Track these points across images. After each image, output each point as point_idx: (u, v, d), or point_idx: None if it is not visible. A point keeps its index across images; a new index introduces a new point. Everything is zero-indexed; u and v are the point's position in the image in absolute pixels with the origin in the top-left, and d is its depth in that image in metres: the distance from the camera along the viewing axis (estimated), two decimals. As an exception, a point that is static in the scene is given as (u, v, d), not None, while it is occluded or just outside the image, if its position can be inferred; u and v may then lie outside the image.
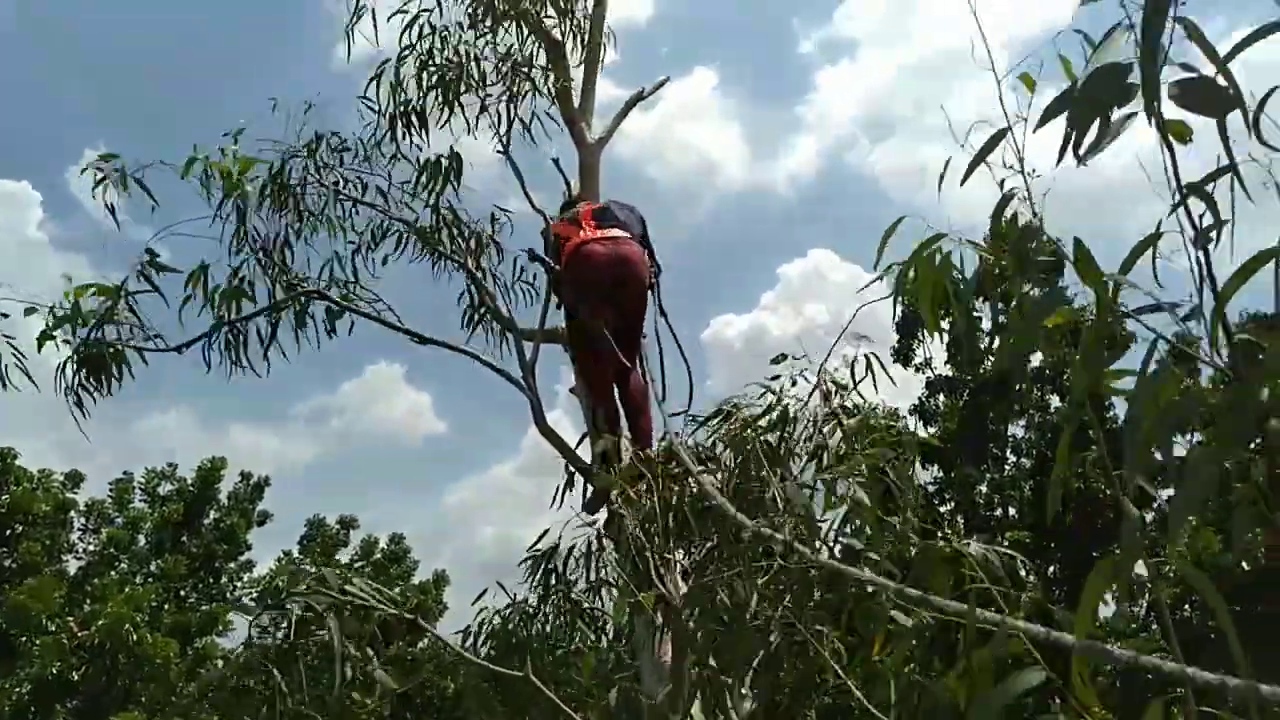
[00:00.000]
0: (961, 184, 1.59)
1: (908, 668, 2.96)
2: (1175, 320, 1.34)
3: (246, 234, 4.82)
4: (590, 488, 4.11)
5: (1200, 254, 1.27)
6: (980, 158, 1.54)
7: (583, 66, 5.91)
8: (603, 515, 3.93)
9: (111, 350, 4.32)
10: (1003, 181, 1.58)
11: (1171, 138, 1.28)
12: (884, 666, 3.04)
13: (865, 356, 3.27)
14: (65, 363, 4.30)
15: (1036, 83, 1.57)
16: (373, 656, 2.94)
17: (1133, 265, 1.40)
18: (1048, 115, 1.37)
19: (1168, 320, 1.35)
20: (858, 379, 3.32)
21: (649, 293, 4.44)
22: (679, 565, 3.26)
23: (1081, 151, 1.31)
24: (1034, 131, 1.40)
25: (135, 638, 17.88)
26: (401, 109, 5.27)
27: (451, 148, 4.71)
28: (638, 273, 4.29)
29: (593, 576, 3.84)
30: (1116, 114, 1.30)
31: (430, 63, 5.23)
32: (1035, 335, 1.48)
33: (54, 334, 4.21)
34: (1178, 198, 1.26)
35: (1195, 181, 1.27)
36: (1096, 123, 1.31)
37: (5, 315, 4.09)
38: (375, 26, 5.53)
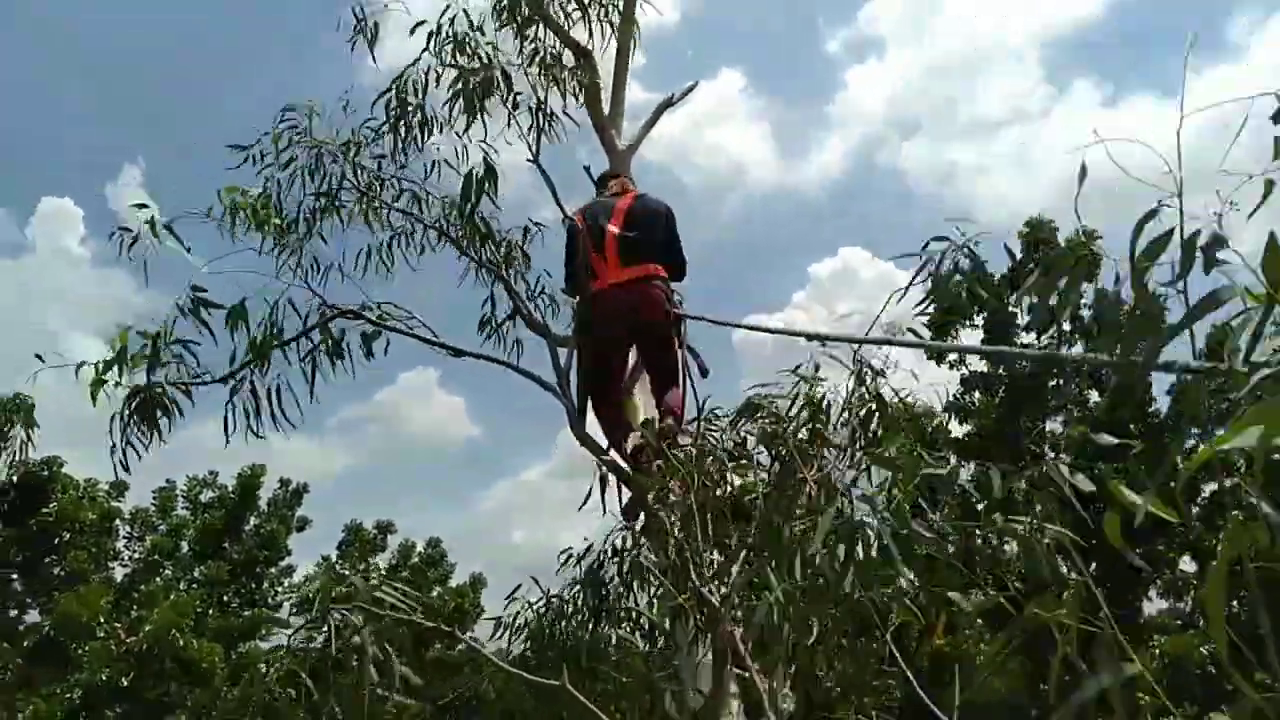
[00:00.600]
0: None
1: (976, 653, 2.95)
2: None
3: (299, 261, 4.92)
4: (627, 493, 4.14)
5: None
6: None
7: (611, 73, 5.95)
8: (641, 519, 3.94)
9: (160, 393, 4.40)
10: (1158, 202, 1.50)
11: None
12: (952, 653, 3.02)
13: (908, 329, 3.25)
14: (115, 416, 4.38)
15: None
16: (394, 655, 2.97)
17: None
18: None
19: None
20: (886, 369, 3.32)
21: (672, 330, 4.38)
22: (714, 564, 3.26)
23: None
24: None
25: (181, 643, 18.19)
26: (419, 114, 5.32)
27: (485, 159, 4.75)
28: (654, 318, 4.27)
29: (629, 577, 3.85)
30: None
31: (453, 65, 5.26)
32: (1190, 324, 1.42)
33: (105, 380, 4.30)
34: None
35: None
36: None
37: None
38: (412, 30, 5.59)
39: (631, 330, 4.36)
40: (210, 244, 4.70)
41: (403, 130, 5.39)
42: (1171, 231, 1.47)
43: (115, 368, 4.25)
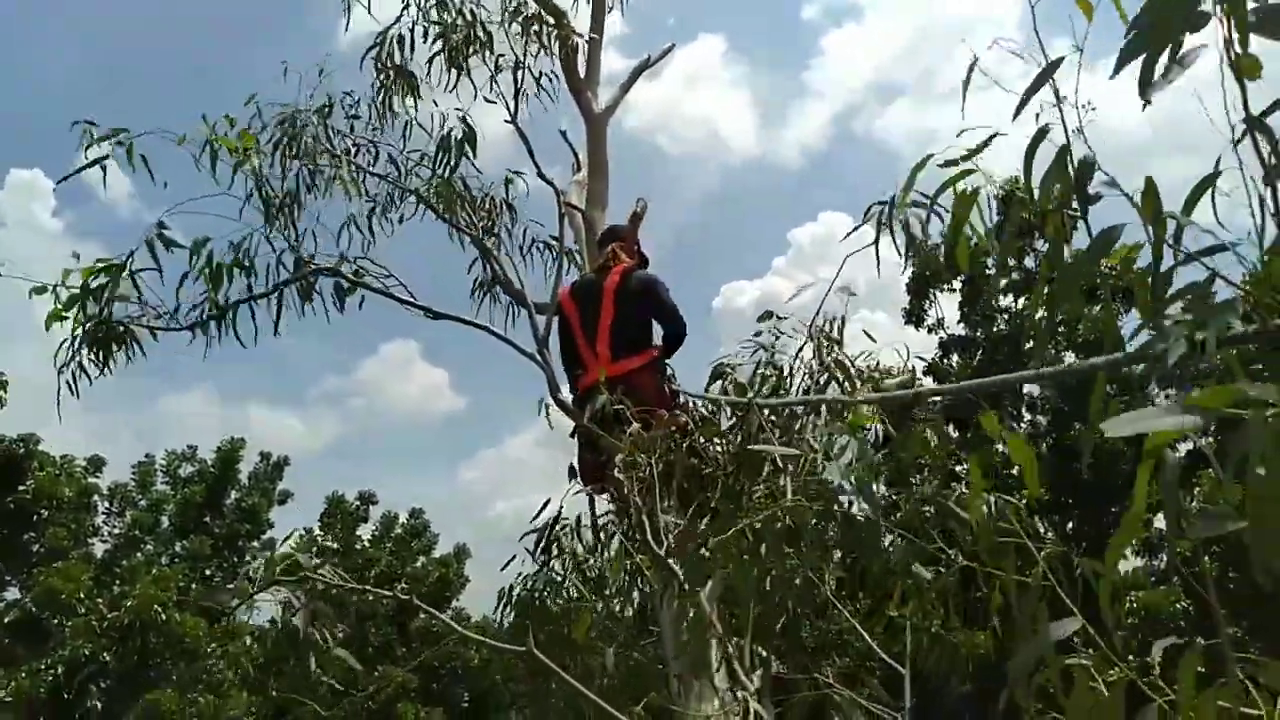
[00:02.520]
0: (1014, 119, 1.50)
1: (927, 623, 2.99)
2: (1240, 261, 1.29)
3: (266, 200, 4.78)
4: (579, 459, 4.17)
5: (1269, 190, 1.21)
6: (1030, 93, 1.46)
7: (587, 34, 5.86)
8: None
9: (121, 328, 4.29)
10: (1037, 115, 1.50)
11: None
12: (901, 621, 3.06)
13: (834, 319, 3.28)
14: (68, 341, 4.26)
15: (1093, 7, 1.45)
16: (330, 640, 2.95)
17: (1195, 204, 1.34)
18: (1129, 51, 1.26)
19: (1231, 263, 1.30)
20: (840, 335, 3.34)
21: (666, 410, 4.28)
22: (678, 527, 3.27)
23: (1150, 86, 1.23)
24: (1114, 75, 1.30)
25: (164, 618, 18.17)
26: (398, 72, 5.20)
27: (464, 118, 4.64)
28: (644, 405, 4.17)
29: (594, 543, 3.88)
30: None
31: (434, 23, 5.14)
32: (1088, 275, 1.42)
33: (65, 314, 4.16)
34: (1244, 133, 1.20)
35: (1258, 114, 1.21)
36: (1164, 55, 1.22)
37: None
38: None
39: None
40: (191, 194, 4.53)
41: (385, 91, 5.26)
42: (1064, 150, 1.46)
43: (77, 305, 4.13)
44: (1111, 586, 1.45)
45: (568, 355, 4.53)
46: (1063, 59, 1.47)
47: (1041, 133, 1.48)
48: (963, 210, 1.79)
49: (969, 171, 1.83)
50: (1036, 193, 1.49)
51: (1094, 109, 1.52)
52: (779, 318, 3.50)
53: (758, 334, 3.54)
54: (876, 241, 2.48)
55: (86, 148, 4.20)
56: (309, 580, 2.95)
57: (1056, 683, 1.46)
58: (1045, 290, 1.56)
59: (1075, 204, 1.46)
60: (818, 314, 3.36)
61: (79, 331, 4.24)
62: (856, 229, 2.62)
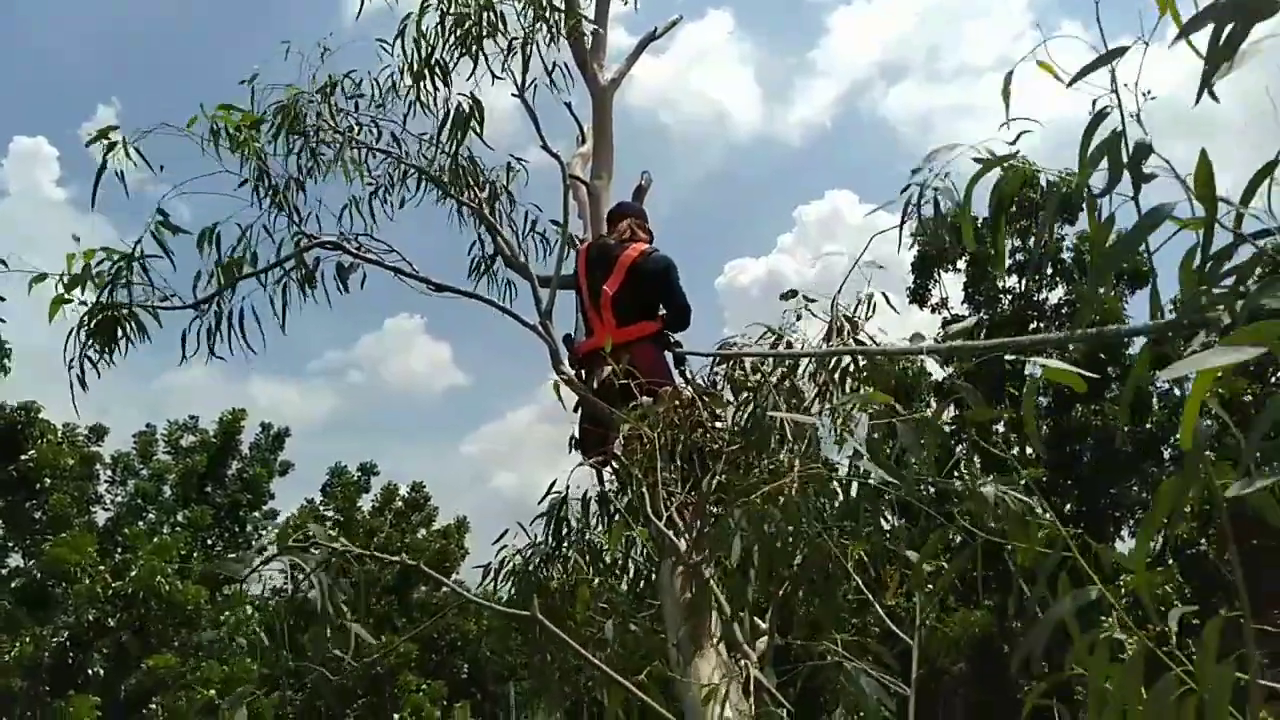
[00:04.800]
0: (1067, 88, 1.48)
1: (925, 610, 3.00)
2: None
3: (267, 182, 4.77)
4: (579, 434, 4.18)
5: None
6: (1084, 72, 1.44)
7: (593, 4, 5.80)
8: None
9: (125, 312, 4.30)
10: (1094, 101, 1.48)
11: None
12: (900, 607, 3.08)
13: (872, 295, 3.23)
14: (74, 330, 4.26)
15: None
16: (345, 612, 2.97)
17: (1253, 194, 1.32)
18: (1194, 25, 1.23)
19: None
20: (867, 314, 3.29)
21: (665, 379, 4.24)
22: (683, 500, 3.27)
23: (1215, 75, 1.21)
24: (1171, 45, 1.27)
25: (166, 587, 18.33)
26: (426, 63, 5.14)
27: (472, 94, 4.61)
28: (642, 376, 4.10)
29: (597, 516, 3.89)
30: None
31: (450, 12, 5.10)
32: (1134, 251, 1.41)
33: (69, 299, 4.18)
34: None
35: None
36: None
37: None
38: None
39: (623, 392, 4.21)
40: (190, 174, 4.53)
41: (417, 82, 5.22)
42: (1115, 140, 1.45)
43: (79, 287, 4.14)
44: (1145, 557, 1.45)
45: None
46: (1126, 48, 1.45)
47: (1100, 115, 1.46)
48: (1003, 201, 1.78)
49: (1006, 161, 1.81)
50: (1092, 176, 1.47)
51: (1153, 97, 1.50)
52: (807, 299, 3.42)
53: (784, 311, 3.48)
54: (901, 225, 2.47)
55: (88, 143, 4.26)
56: (320, 549, 2.96)
57: (1079, 651, 1.47)
58: (1090, 267, 1.56)
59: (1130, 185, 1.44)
60: (839, 292, 3.30)
61: (84, 323, 4.25)
62: (876, 210, 2.61)
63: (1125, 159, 1.43)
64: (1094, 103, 1.51)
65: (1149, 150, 1.37)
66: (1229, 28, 1.22)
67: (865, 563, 3.01)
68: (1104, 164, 1.46)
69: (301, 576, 2.91)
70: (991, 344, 2.06)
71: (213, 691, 16.95)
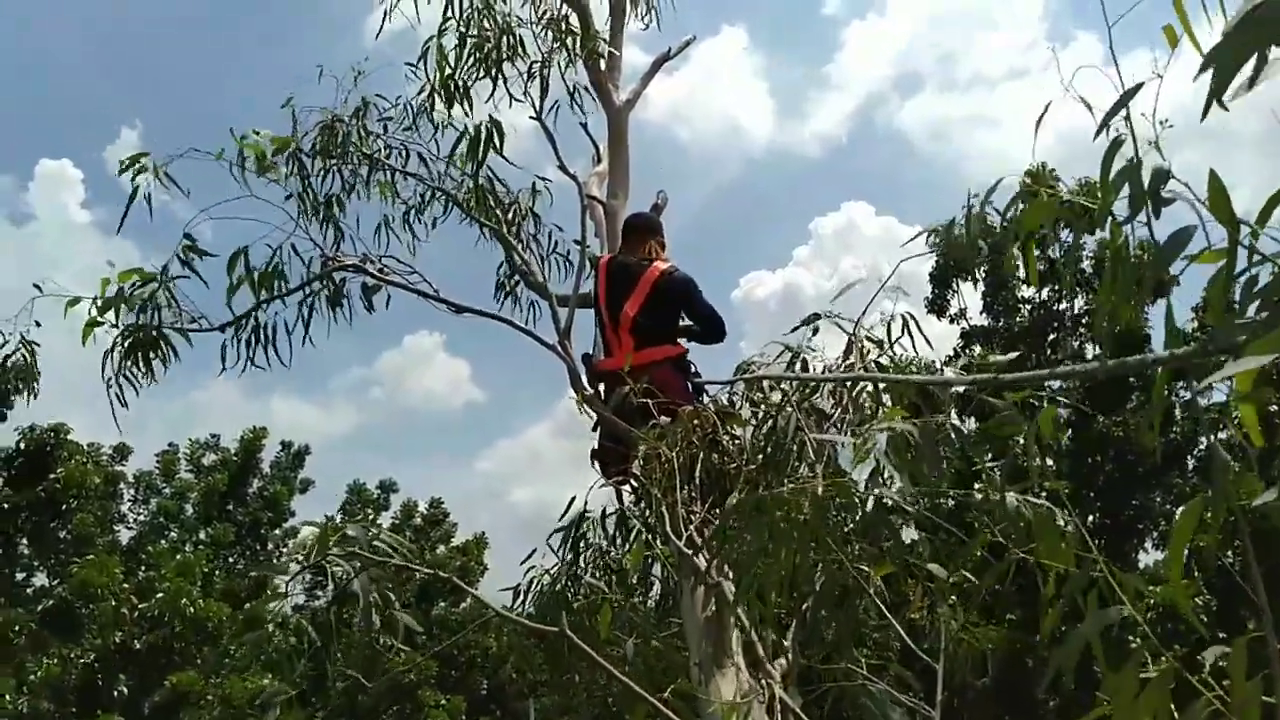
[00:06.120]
0: (1095, 138, 1.51)
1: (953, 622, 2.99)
2: None
3: (311, 198, 4.88)
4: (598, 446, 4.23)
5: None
6: (1118, 107, 1.47)
7: (608, 26, 5.87)
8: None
9: (155, 333, 4.38)
10: (1107, 121, 1.50)
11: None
12: (924, 619, 3.07)
13: (902, 316, 3.22)
14: (109, 351, 4.35)
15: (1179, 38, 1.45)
16: (394, 604, 3.01)
17: (1271, 213, 1.33)
18: (1220, 55, 1.25)
19: None
20: (893, 337, 3.26)
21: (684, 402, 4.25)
22: (703, 519, 3.27)
23: (1229, 94, 1.23)
24: (1195, 79, 1.29)
25: (189, 605, 18.45)
26: (445, 84, 5.22)
27: (491, 116, 4.69)
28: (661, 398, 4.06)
29: (618, 536, 3.90)
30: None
31: (470, 35, 5.19)
32: (1164, 272, 1.43)
33: (100, 321, 4.27)
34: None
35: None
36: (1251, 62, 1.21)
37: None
38: (415, 2, 5.50)
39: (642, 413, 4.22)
40: (218, 199, 4.63)
41: (432, 99, 5.30)
42: (1134, 169, 1.47)
43: (112, 310, 4.23)
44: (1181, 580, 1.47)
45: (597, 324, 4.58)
46: (1142, 84, 1.48)
47: (1116, 143, 1.49)
48: (1034, 219, 1.83)
49: (1043, 189, 1.85)
50: (1115, 206, 1.50)
51: (1171, 126, 1.53)
52: (830, 317, 3.41)
53: (795, 329, 3.48)
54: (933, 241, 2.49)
55: (121, 172, 4.38)
56: (358, 554, 3.00)
57: (1104, 667, 1.48)
58: (1107, 291, 1.58)
59: (1150, 209, 1.46)
60: (863, 314, 3.28)
61: (118, 344, 4.34)
62: (918, 235, 2.71)
63: (1145, 185, 1.45)
64: (1107, 125, 1.53)
65: (1168, 175, 1.39)
66: (1241, 50, 1.24)
67: (887, 580, 3.00)
68: (1125, 188, 1.48)
69: (343, 572, 2.95)
70: (1010, 378, 2.08)
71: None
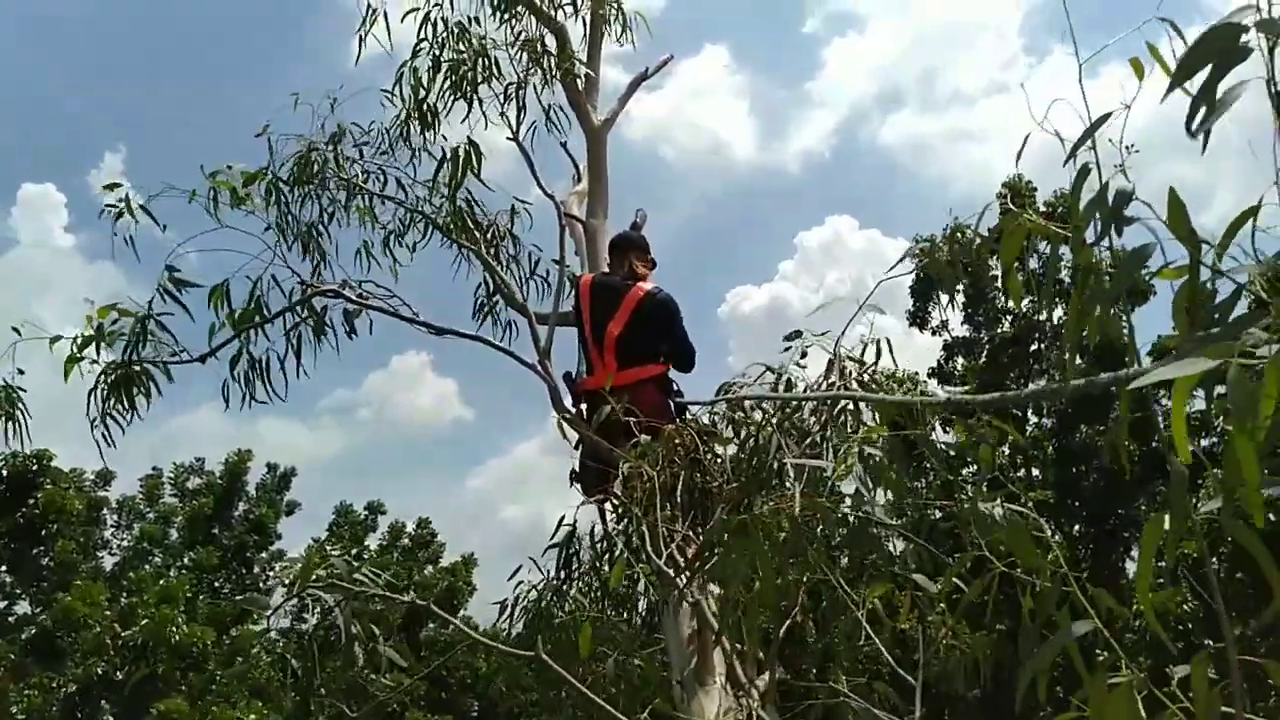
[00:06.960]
0: (1064, 165, 1.57)
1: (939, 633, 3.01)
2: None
3: (293, 228, 4.90)
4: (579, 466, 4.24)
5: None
6: (1084, 138, 1.52)
7: (586, 47, 5.91)
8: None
9: (138, 371, 4.38)
10: (1074, 154, 1.56)
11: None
12: (911, 631, 3.08)
13: (876, 342, 3.26)
14: (93, 391, 4.35)
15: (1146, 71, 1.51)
16: (379, 637, 3.01)
17: (1234, 235, 1.36)
18: (1179, 78, 1.29)
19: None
20: (870, 358, 3.30)
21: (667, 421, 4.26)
22: (684, 537, 3.28)
23: (1195, 123, 1.26)
24: (1163, 100, 1.34)
25: (174, 631, 18.25)
26: (419, 108, 5.26)
27: (469, 138, 4.71)
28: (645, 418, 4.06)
29: (599, 551, 3.90)
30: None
31: (443, 59, 5.23)
32: (1122, 290, 1.49)
33: (81, 357, 4.27)
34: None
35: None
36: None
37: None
38: (388, 27, 5.53)
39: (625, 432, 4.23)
40: (200, 227, 4.67)
41: (406, 123, 5.34)
42: (1102, 194, 1.52)
43: (93, 345, 4.23)
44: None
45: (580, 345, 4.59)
46: (1110, 114, 1.54)
47: (1084, 171, 1.54)
48: (1011, 250, 1.87)
49: (1021, 210, 1.90)
50: (1087, 230, 1.55)
51: (1137, 151, 1.59)
52: (813, 335, 3.44)
53: (786, 348, 3.50)
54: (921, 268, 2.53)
55: (106, 209, 4.46)
56: (339, 585, 3.00)
57: (1084, 676, 1.50)
58: (1076, 307, 1.61)
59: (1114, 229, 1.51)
60: (842, 334, 3.30)
61: (100, 384, 4.35)
62: (903, 259, 2.73)
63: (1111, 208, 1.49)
64: (1074, 154, 1.58)
65: (1129, 198, 1.43)
66: (1209, 71, 1.29)
67: (876, 602, 3.02)
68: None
69: (329, 603, 2.95)
70: (985, 399, 2.11)
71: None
